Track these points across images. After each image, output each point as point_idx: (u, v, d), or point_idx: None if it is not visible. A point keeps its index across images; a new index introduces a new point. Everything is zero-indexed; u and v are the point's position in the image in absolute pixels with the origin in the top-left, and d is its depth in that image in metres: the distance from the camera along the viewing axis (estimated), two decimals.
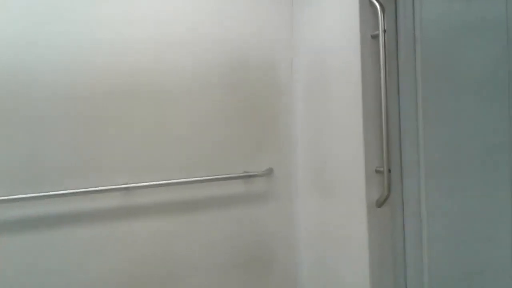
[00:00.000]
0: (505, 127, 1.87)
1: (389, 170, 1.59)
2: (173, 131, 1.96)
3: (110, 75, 1.85)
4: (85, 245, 1.83)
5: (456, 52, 1.77)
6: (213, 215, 2.04)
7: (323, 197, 1.96)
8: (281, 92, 2.14)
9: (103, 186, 1.81)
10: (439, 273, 1.74)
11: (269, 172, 2.09)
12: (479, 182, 1.83)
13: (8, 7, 1.71)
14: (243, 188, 2.09)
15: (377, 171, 1.64)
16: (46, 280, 1.77)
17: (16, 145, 1.72)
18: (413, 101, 1.72)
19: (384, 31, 1.54)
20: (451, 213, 1.79)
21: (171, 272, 1.96)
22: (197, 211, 2.01)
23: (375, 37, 1.58)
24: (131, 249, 1.89)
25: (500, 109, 1.86)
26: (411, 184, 1.73)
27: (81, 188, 1.78)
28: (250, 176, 2.05)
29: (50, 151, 1.77)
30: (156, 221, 1.94)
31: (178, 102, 1.96)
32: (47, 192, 1.73)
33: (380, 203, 1.63)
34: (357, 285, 1.73)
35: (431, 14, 1.72)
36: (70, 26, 1.79)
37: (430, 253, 1.74)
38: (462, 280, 1.73)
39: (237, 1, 2.05)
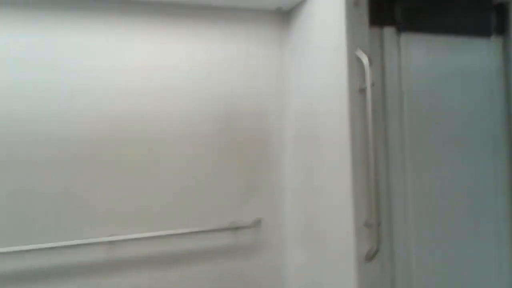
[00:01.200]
0: (490, 176, 1.89)
1: (379, 224, 1.57)
2: (160, 181, 1.92)
3: (97, 125, 1.83)
4: None
5: (441, 104, 1.81)
6: (201, 268, 1.97)
7: (312, 249, 1.92)
8: (270, 142, 2.13)
9: (87, 239, 1.76)
10: None
11: (257, 223, 2.05)
12: (467, 231, 1.83)
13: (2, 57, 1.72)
14: (231, 239, 2.04)
15: (366, 225, 1.61)
16: None
17: None
18: (401, 153, 1.73)
19: (372, 84, 1.56)
20: (441, 265, 1.77)
21: None
22: (184, 264, 1.95)
23: (363, 90, 1.59)
24: None
25: (485, 158, 1.89)
26: (401, 237, 1.71)
27: (65, 242, 1.72)
28: (238, 228, 2.01)
29: (32, 204, 1.72)
30: (142, 275, 1.88)
31: (165, 151, 1.94)
32: (28, 246, 1.67)
33: (370, 257, 1.60)
34: None
35: (417, 68, 1.76)
36: (65, 74, 1.80)
37: None
38: None
39: (229, 52, 2.07)
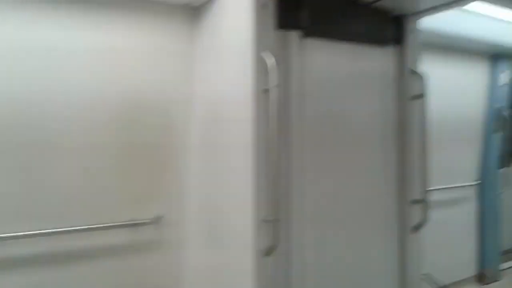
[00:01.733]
0: (381, 176, 2.04)
1: (277, 220, 1.62)
2: (55, 175, 1.82)
3: None
4: None
5: (340, 106, 1.91)
6: (95, 267, 1.90)
7: (213, 246, 1.94)
8: (175, 139, 2.10)
9: None
10: None
11: (157, 220, 2.02)
12: (359, 229, 1.96)
13: None
14: (129, 236, 1.98)
15: (265, 221, 1.66)
16: None
17: None
18: (301, 152, 1.80)
19: (276, 86, 1.60)
20: (333, 259, 1.88)
21: None
22: (77, 263, 1.87)
23: (267, 91, 1.63)
24: None
25: (377, 159, 2.03)
26: (298, 233, 1.79)
27: None
28: (136, 224, 1.96)
29: None
30: (31, 275, 1.76)
31: (63, 145, 1.83)
32: None
33: (268, 252, 1.65)
34: None
35: (319, 71, 1.84)
36: None
37: None
38: None
39: (137, 44, 2.00)
